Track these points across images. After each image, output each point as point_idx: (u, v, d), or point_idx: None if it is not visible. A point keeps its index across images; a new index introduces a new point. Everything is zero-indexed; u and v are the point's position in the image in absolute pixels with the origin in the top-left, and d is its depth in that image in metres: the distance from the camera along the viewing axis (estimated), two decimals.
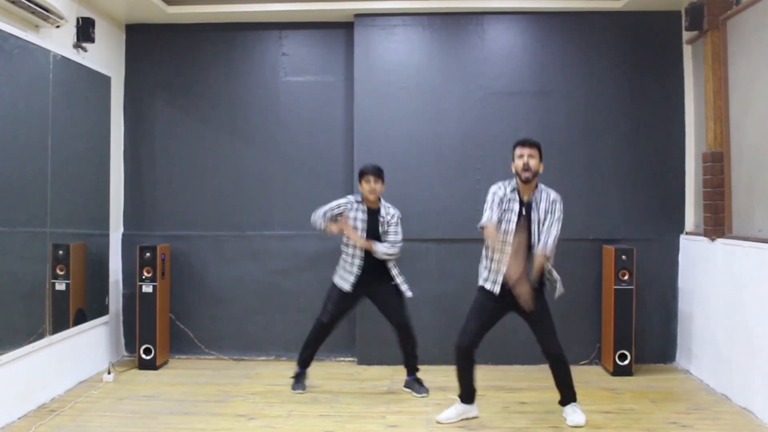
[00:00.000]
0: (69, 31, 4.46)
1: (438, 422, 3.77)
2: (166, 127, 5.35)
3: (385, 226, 4.33)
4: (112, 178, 5.08)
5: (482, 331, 3.76)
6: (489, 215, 3.70)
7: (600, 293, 5.01)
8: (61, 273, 4.32)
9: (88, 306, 4.72)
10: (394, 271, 4.37)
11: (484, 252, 3.83)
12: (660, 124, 5.06)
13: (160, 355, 4.94)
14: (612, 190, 5.08)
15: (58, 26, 4.18)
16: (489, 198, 3.74)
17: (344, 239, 4.35)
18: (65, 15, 4.18)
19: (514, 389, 4.44)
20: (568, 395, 3.79)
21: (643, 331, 4.97)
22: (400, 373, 4.79)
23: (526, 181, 3.67)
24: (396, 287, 4.36)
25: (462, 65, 5.12)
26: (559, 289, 3.80)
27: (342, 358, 5.23)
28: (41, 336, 4.10)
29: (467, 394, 3.83)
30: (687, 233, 5.00)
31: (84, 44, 4.61)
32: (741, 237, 4.18)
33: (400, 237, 4.35)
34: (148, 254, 4.87)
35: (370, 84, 5.12)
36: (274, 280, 5.25)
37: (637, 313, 4.80)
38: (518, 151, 3.70)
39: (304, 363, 4.48)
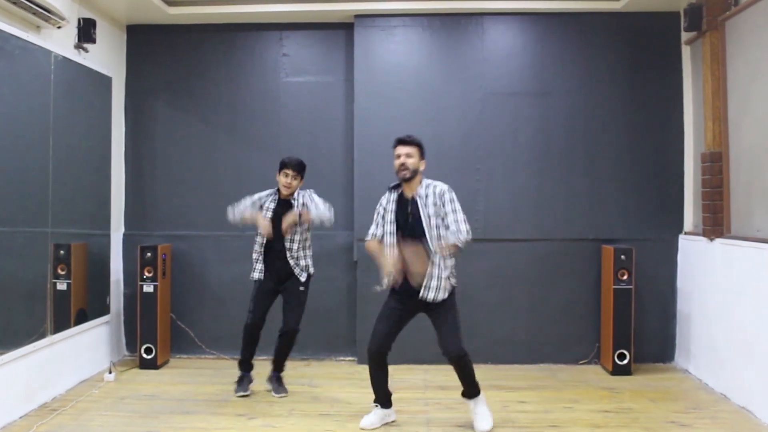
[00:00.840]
0: (70, 32, 4.48)
1: (362, 429, 3.73)
2: (167, 128, 5.37)
3: (299, 205, 4.19)
4: (113, 178, 5.10)
5: (392, 335, 3.73)
6: (373, 230, 3.73)
7: (599, 293, 5.03)
8: (63, 273, 4.33)
9: (89, 305, 4.74)
10: (300, 266, 4.28)
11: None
12: (659, 124, 5.08)
13: (161, 354, 4.95)
14: (611, 190, 5.09)
15: (59, 27, 4.20)
16: (376, 210, 3.76)
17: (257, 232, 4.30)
18: (66, 16, 4.19)
19: (514, 389, 4.45)
20: (470, 392, 3.74)
21: (642, 331, 4.98)
22: (399, 372, 4.81)
23: (404, 180, 3.62)
24: (301, 289, 4.28)
25: (462, 66, 5.13)
26: (453, 283, 3.68)
27: (342, 358, 5.24)
28: (42, 335, 4.11)
29: (383, 399, 3.81)
30: (686, 233, 5.01)
31: (85, 45, 4.62)
32: (740, 237, 4.20)
33: (322, 203, 4.20)
34: (149, 254, 4.89)
35: (370, 84, 5.13)
36: None
37: (636, 313, 4.82)
38: (396, 150, 3.64)
39: (241, 366, 4.38)
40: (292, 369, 4.94)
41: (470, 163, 5.11)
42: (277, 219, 4.20)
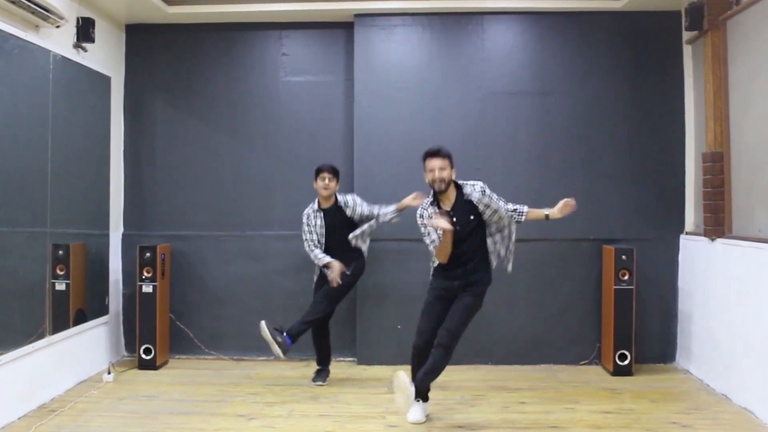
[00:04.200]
0: (69, 31, 4.46)
1: (414, 423, 3.72)
2: (166, 127, 5.35)
3: (355, 211, 4.46)
4: (112, 178, 5.08)
5: (435, 329, 3.73)
6: (432, 243, 3.77)
7: (600, 293, 5.01)
8: (61, 273, 4.32)
9: (88, 306, 4.72)
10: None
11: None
12: (660, 124, 5.06)
13: (160, 355, 4.94)
14: (612, 190, 5.08)
15: (58, 26, 4.18)
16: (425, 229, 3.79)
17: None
18: (65, 15, 4.18)
19: (514, 390, 4.43)
20: (422, 390, 3.75)
21: (643, 331, 4.97)
22: None
23: (440, 192, 3.70)
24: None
25: (462, 65, 5.12)
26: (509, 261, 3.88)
27: (342, 358, 5.22)
28: (41, 336, 4.10)
29: (425, 394, 3.80)
30: (687, 233, 5.00)
31: (84, 44, 4.61)
32: (741, 237, 4.18)
33: (374, 206, 4.54)
34: (148, 254, 4.87)
35: (370, 84, 5.12)
36: (274, 280, 5.25)
37: (637, 313, 4.80)
38: (428, 164, 3.69)
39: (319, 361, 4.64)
40: (291, 369, 4.93)
41: (470, 163, 5.08)
42: (327, 227, 4.46)
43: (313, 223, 4.46)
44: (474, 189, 3.70)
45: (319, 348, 4.61)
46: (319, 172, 4.43)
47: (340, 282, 4.33)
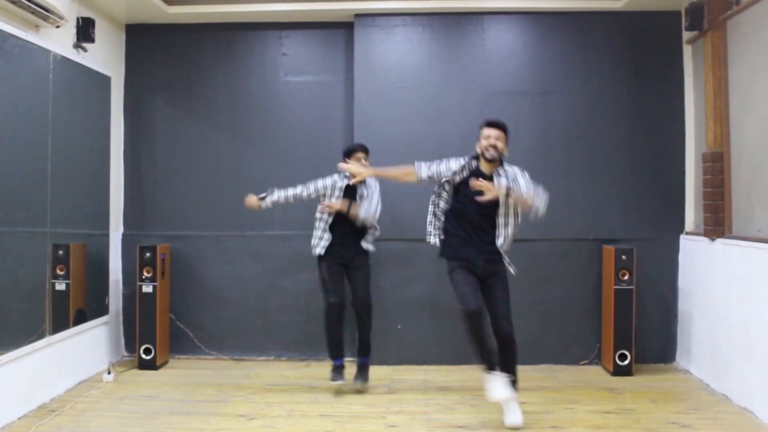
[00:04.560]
0: (69, 31, 4.46)
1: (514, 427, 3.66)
2: (166, 127, 5.35)
3: (367, 193, 4.35)
4: (112, 178, 5.08)
5: (479, 293, 3.67)
6: (426, 167, 3.77)
7: (600, 293, 5.01)
8: (61, 273, 4.32)
9: (88, 306, 4.72)
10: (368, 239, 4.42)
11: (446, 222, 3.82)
12: (660, 123, 5.06)
13: (160, 355, 4.94)
14: (612, 190, 5.08)
15: (58, 26, 4.18)
16: (446, 161, 3.76)
17: (318, 209, 4.40)
18: (65, 15, 4.18)
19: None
20: (513, 378, 3.75)
21: (643, 331, 4.97)
22: (399, 372, 4.81)
23: (490, 160, 3.68)
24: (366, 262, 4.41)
25: (462, 65, 5.12)
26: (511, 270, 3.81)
27: None
28: (41, 336, 4.10)
29: (494, 361, 3.68)
30: (687, 233, 5.00)
31: (84, 44, 4.61)
32: (741, 237, 4.18)
33: (377, 202, 4.39)
34: (148, 254, 4.87)
35: (370, 84, 5.12)
36: (274, 280, 5.25)
37: (637, 313, 4.80)
38: (485, 131, 3.70)
39: (333, 355, 4.38)
40: (291, 369, 4.93)
41: None
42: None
43: (331, 187, 4.37)
44: (516, 169, 3.71)
45: (340, 340, 4.40)
46: (353, 152, 4.32)
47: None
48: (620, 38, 5.07)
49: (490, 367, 3.64)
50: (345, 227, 4.33)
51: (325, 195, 4.38)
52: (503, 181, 3.63)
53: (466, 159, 3.76)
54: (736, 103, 4.33)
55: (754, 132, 4.12)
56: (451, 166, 3.75)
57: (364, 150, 4.38)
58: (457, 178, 3.73)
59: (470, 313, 3.54)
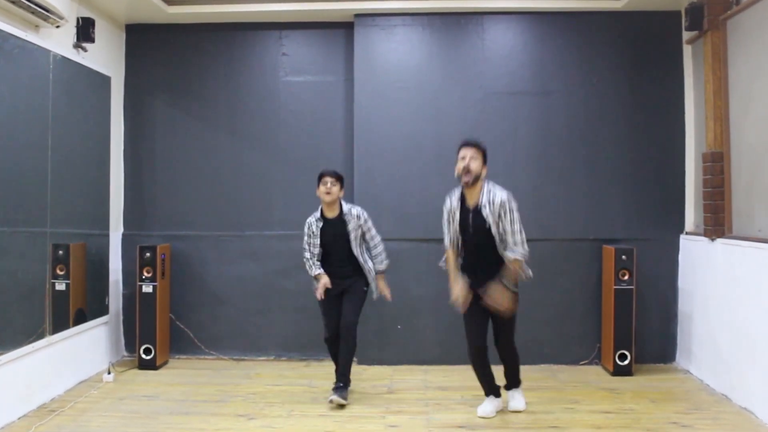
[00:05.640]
0: (69, 31, 4.46)
1: (481, 417, 3.84)
2: (166, 127, 5.35)
3: (356, 227, 4.15)
4: (112, 178, 5.08)
5: (483, 330, 3.82)
6: (446, 240, 3.82)
7: (600, 293, 5.01)
8: (61, 273, 4.32)
9: (88, 306, 4.72)
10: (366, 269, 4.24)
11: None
12: (660, 123, 5.06)
13: (160, 355, 4.94)
14: (612, 190, 5.08)
15: (58, 26, 4.18)
16: (443, 217, 3.82)
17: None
18: (65, 15, 4.18)
19: None
20: (513, 382, 4.00)
21: (643, 331, 4.97)
22: (399, 372, 4.82)
23: (466, 185, 3.64)
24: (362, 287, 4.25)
25: (462, 65, 5.12)
26: (528, 274, 3.84)
27: None
28: (41, 336, 4.10)
29: (495, 390, 3.94)
30: (687, 233, 5.00)
31: (84, 44, 4.61)
32: (741, 237, 4.18)
33: (377, 236, 4.25)
34: (148, 254, 4.87)
35: (370, 84, 5.12)
36: (274, 280, 5.25)
37: (637, 313, 4.80)
38: (460, 152, 3.65)
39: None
40: (291, 369, 4.94)
41: None
42: (326, 236, 4.15)
43: (313, 231, 4.17)
44: (492, 196, 3.62)
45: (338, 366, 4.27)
46: (320, 177, 4.12)
47: (323, 297, 4.12)
48: (620, 38, 5.07)
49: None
50: (337, 257, 4.19)
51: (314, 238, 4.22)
52: (492, 223, 3.63)
53: (450, 194, 3.80)
54: (736, 103, 4.33)
55: (754, 132, 4.11)
56: (446, 218, 3.80)
57: (333, 176, 4.12)
58: (457, 215, 3.74)
59: (473, 350, 3.80)
